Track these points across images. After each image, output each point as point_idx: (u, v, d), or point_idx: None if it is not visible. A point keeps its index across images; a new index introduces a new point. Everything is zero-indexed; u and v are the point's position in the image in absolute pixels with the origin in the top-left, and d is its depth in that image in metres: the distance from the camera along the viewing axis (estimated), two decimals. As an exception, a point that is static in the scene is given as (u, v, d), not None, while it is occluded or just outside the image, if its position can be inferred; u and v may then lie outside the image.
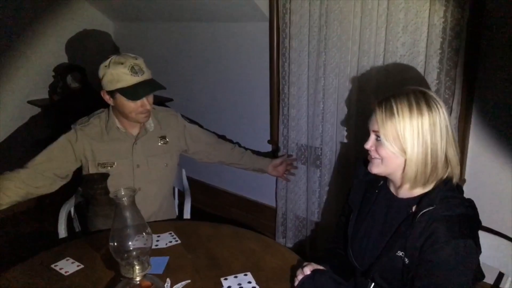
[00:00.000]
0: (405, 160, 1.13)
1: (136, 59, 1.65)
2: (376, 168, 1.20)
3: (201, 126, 2.10)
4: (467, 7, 1.74)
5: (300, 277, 1.19)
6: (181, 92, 3.28)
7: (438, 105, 1.12)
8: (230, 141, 2.19)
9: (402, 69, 1.99)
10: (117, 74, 1.59)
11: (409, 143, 1.11)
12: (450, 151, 1.14)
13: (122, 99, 1.63)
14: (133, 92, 1.60)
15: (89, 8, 3.58)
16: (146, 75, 1.64)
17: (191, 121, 2.01)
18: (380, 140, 1.15)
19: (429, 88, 1.46)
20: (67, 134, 1.72)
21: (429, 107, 1.11)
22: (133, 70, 1.60)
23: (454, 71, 1.84)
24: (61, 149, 1.70)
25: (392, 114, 1.12)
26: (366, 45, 2.06)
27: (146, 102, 1.65)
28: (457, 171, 1.17)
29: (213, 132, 2.17)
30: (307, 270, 1.20)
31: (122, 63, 1.60)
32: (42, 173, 1.66)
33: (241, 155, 2.11)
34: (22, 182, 1.62)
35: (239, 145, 2.20)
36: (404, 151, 1.12)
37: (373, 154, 1.20)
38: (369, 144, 1.20)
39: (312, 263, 1.24)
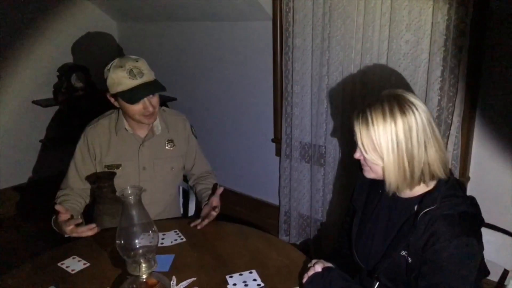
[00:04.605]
0: (383, 168, 1.13)
1: (137, 61, 1.63)
2: (369, 174, 1.22)
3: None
4: (471, 4, 1.74)
5: (310, 273, 1.20)
6: (184, 92, 3.29)
7: (413, 107, 1.10)
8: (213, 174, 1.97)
9: (406, 67, 1.99)
10: (117, 78, 1.60)
11: (385, 151, 1.11)
12: (431, 152, 1.11)
13: (123, 102, 1.64)
14: (131, 96, 1.60)
15: (92, 8, 3.60)
16: (146, 77, 1.62)
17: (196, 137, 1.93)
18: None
19: (409, 89, 1.44)
20: (79, 142, 1.75)
21: (403, 111, 1.09)
22: (132, 73, 1.59)
23: (458, 69, 1.84)
24: (82, 160, 1.75)
25: (367, 124, 1.12)
26: (369, 43, 2.06)
27: (148, 104, 1.63)
28: (441, 171, 1.14)
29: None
30: (318, 268, 1.20)
31: (121, 67, 1.60)
32: (80, 192, 1.75)
33: (199, 185, 1.93)
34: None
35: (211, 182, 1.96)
36: (382, 159, 1.13)
37: (362, 162, 1.20)
38: (358, 154, 1.20)
39: (322, 261, 1.24)
